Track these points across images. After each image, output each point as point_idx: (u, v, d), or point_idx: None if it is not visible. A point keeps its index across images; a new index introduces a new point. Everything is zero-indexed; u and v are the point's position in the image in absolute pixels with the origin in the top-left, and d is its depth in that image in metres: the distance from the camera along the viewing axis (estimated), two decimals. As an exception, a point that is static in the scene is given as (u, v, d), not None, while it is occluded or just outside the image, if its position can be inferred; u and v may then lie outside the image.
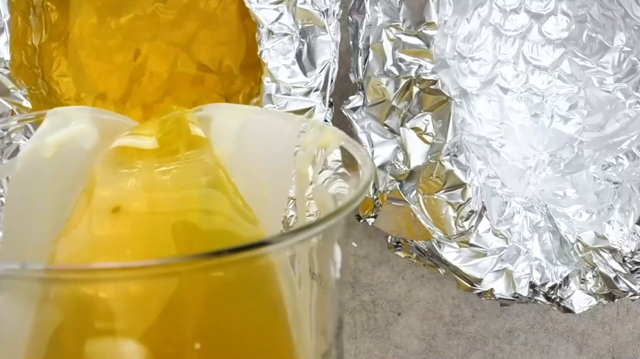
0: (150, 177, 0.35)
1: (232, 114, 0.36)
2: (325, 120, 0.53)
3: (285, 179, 0.35)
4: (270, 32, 0.51)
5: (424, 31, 0.53)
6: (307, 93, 0.51)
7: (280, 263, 0.31)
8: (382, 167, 0.55)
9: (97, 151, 0.34)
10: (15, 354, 0.28)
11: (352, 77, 0.55)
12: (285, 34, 0.51)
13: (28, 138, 0.52)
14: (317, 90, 0.52)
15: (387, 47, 0.53)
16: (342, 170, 0.55)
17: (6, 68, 0.52)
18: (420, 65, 0.53)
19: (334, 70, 0.52)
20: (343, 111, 0.54)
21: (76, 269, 0.26)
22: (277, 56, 0.51)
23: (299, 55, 0.51)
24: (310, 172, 0.35)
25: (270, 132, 0.35)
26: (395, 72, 0.53)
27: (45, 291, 0.27)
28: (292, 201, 0.53)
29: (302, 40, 0.51)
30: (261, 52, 0.51)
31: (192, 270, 0.26)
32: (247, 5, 0.51)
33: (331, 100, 0.53)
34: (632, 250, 0.58)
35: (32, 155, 0.33)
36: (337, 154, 0.54)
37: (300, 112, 0.52)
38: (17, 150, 0.52)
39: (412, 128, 0.54)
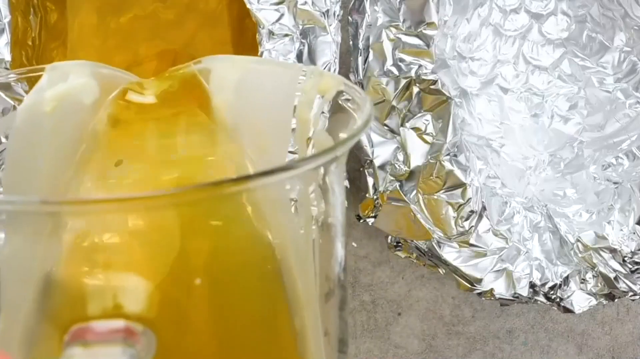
0: (150, 130, 0.36)
1: (231, 65, 0.36)
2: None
3: (286, 127, 0.35)
4: (270, 33, 0.51)
5: (424, 31, 0.53)
6: None
7: (283, 203, 0.31)
8: (382, 167, 0.55)
9: (97, 105, 0.34)
10: (26, 294, 0.29)
11: (352, 77, 0.55)
12: (286, 35, 0.51)
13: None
14: (317, 90, 0.52)
15: (387, 47, 0.53)
16: (345, 182, 0.56)
17: (7, 69, 0.52)
18: (420, 65, 0.53)
19: (334, 71, 0.52)
20: (343, 111, 0.54)
21: (79, 201, 0.27)
22: (277, 57, 0.51)
23: (299, 56, 0.52)
24: (311, 117, 0.35)
25: (270, 81, 0.35)
26: (395, 72, 0.53)
27: (52, 226, 0.28)
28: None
29: (302, 41, 0.52)
30: (262, 52, 0.51)
31: (193, 201, 0.26)
32: (248, 6, 0.51)
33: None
34: (632, 250, 0.58)
35: (31, 109, 0.33)
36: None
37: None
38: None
39: (412, 128, 0.54)
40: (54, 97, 0.33)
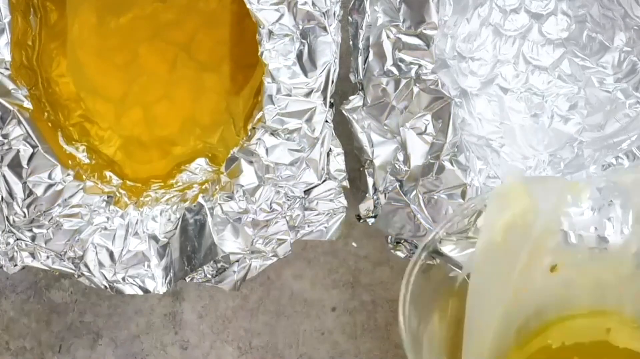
0: None
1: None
2: (326, 121, 0.54)
3: None
4: (271, 33, 0.52)
5: (424, 31, 0.53)
6: (307, 94, 0.52)
7: None
8: (382, 166, 0.55)
9: (539, 221, 0.39)
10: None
11: (352, 77, 0.55)
12: (286, 35, 0.52)
13: (28, 144, 0.53)
14: (317, 91, 0.52)
15: (387, 47, 0.54)
16: (345, 182, 0.56)
17: (7, 69, 0.53)
18: (420, 65, 0.54)
19: (334, 71, 0.53)
20: (343, 111, 0.55)
21: None
22: (277, 57, 0.52)
23: (299, 56, 0.52)
24: None
25: None
26: (395, 72, 0.54)
27: None
28: (298, 199, 0.55)
29: (302, 40, 0.52)
30: (262, 52, 0.52)
31: None
32: (248, 6, 0.51)
33: (332, 101, 0.53)
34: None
35: (488, 242, 0.39)
36: (340, 163, 0.55)
37: (301, 112, 0.53)
38: (16, 155, 0.53)
39: (412, 128, 0.55)
40: (503, 226, 0.39)
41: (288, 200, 0.55)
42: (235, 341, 0.65)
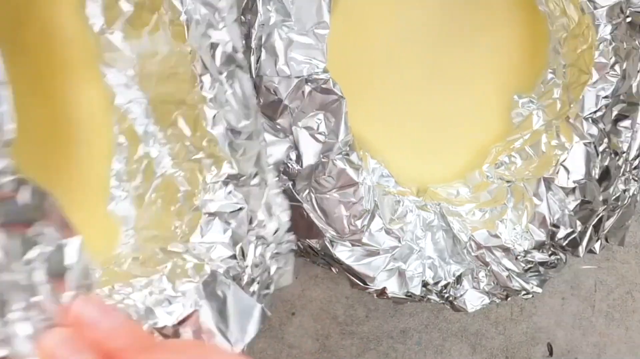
0: None
1: None
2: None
3: None
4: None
5: (315, 30, 0.56)
6: None
7: None
8: (275, 166, 0.57)
9: None
10: None
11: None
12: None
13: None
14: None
15: (279, 46, 0.56)
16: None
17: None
18: (311, 64, 0.56)
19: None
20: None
21: None
22: None
23: None
24: None
25: None
26: (287, 71, 0.56)
27: None
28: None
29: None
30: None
31: None
32: None
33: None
34: (525, 249, 0.61)
35: None
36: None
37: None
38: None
39: (305, 127, 0.57)
40: None
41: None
42: None
